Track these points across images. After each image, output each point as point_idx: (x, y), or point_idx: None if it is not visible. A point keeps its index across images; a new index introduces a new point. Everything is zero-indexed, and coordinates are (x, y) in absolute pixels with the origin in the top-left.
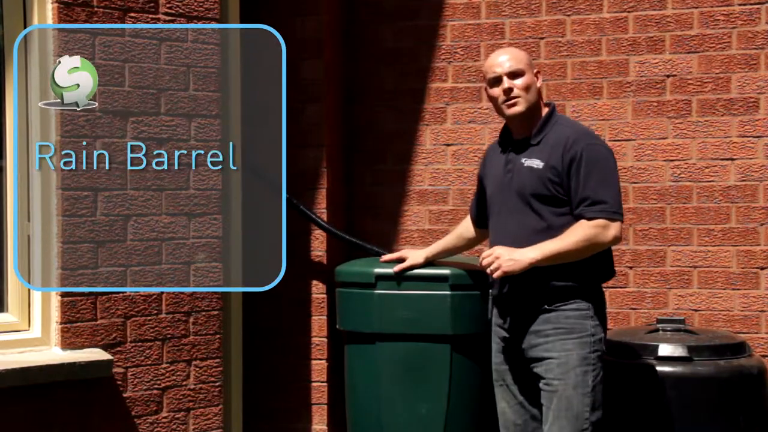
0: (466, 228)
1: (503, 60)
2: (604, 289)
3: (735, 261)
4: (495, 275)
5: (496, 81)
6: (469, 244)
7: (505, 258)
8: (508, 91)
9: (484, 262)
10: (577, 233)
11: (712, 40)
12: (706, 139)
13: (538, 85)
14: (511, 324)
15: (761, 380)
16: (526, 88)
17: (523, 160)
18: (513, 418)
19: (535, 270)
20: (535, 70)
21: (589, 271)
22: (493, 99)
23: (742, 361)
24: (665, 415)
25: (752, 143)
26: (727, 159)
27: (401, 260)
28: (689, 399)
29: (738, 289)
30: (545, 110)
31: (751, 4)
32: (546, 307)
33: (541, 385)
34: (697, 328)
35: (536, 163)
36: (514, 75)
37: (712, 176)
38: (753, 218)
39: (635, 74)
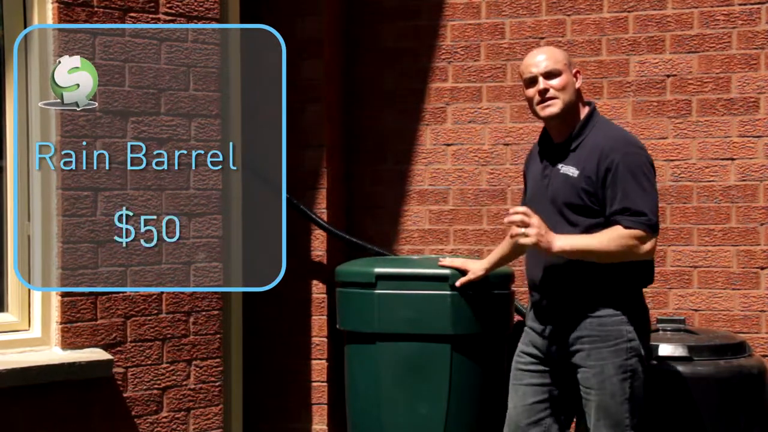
0: (508, 243)
1: (540, 60)
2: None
3: (735, 261)
4: (520, 240)
5: (532, 81)
6: (524, 248)
7: (540, 232)
8: (543, 92)
9: (516, 218)
10: (613, 239)
11: (712, 40)
12: (706, 139)
13: (577, 85)
14: (546, 328)
15: (761, 380)
16: (563, 89)
17: (559, 166)
18: (517, 420)
19: (573, 275)
20: (574, 70)
21: (626, 277)
22: (529, 100)
23: (742, 361)
24: (665, 415)
25: (752, 143)
26: (727, 159)
27: (462, 271)
28: (689, 399)
29: (738, 289)
30: (585, 111)
31: (751, 4)
32: (582, 312)
33: (581, 389)
34: (697, 328)
35: (571, 171)
36: (550, 75)
37: (712, 176)
38: (753, 218)
39: (635, 74)
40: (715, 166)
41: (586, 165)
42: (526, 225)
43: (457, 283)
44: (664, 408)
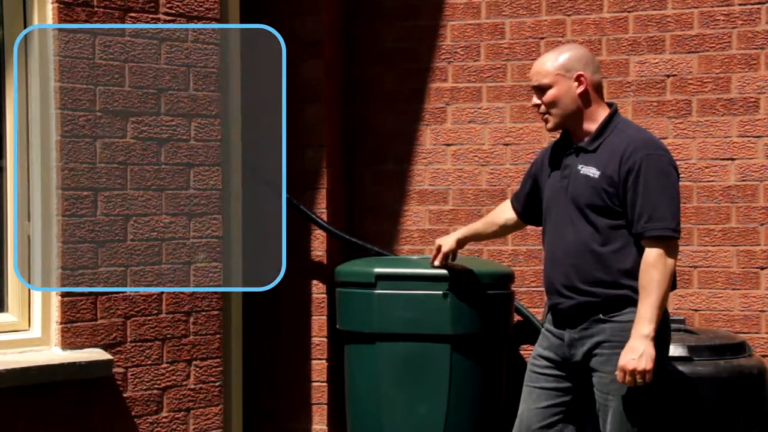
0: (498, 215)
1: (532, 73)
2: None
3: (735, 261)
4: (647, 378)
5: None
6: (499, 232)
7: (640, 362)
8: (536, 107)
9: (627, 380)
10: (655, 278)
11: (712, 40)
12: (706, 139)
13: (579, 90)
14: (565, 332)
15: (761, 380)
16: (552, 103)
17: (579, 167)
18: (529, 422)
19: (594, 279)
20: (575, 74)
21: None
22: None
23: (742, 361)
24: (665, 415)
25: (752, 143)
26: (727, 159)
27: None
28: (689, 399)
29: (738, 289)
30: (604, 112)
31: (751, 4)
32: (602, 316)
33: (596, 395)
34: (697, 328)
35: (592, 172)
36: (538, 89)
37: (712, 176)
38: (753, 218)
39: (635, 74)
40: (715, 166)
41: (607, 166)
42: (636, 373)
43: (436, 263)
44: (664, 408)
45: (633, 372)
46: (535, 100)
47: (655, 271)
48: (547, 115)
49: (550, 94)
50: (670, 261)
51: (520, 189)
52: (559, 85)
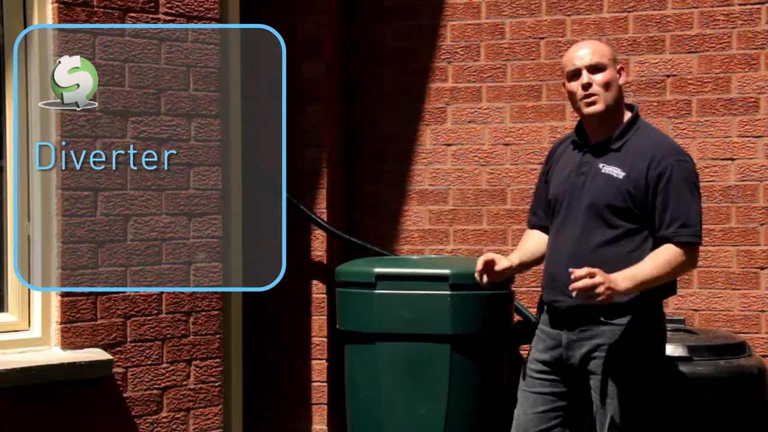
0: (540, 242)
1: (584, 53)
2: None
3: (735, 261)
4: (597, 299)
5: (575, 74)
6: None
7: (607, 286)
8: (586, 86)
9: (581, 284)
10: (670, 262)
11: (712, 40)
12: (706, 139)
13: (621, 82)
14: (561, 333)
15: (761, 380)
16: (606, 85)
17: (600, 166)
18: (526, 427)
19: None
20: (618, 66)
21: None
22: (570, 94)
23: (742, 361)
24: (665, 415)
25: (752, 143)
26: (727, 159)
27: (489, 265)
28: (689, 399)
29: (738, 289)
30: (627, 113)
31: (751, 4)
32: (602, 319)
33: (593, 397)
34: (697, 328)
35: (616, 172)
36: (594, 69)
37: (712, 176)
38: (753, 218)
39: (635, 74)
40: (715, 166)
41: (633, 167)
42: (594, 286)
43: (484, 283)
44: (664, 408)
45: (594, 285)
46: (585, 79)
47: (676, 263)
48: (597, 96)
49: (605, 75)
50: (689, 268)
51: (538, 204)
52: (611, 69)
